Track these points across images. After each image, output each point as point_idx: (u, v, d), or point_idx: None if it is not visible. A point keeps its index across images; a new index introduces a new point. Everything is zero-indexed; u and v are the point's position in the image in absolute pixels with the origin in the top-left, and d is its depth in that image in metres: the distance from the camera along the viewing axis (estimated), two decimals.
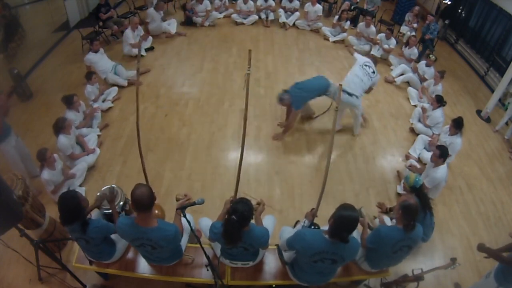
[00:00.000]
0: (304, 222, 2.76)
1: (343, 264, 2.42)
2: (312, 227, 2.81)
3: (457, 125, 4.10)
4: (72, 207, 2.24)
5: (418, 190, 3.03)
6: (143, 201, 2.05)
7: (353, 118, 4.78)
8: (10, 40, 5.24)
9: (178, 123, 4.85)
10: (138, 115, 2.92)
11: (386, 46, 6.61)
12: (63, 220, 2.29)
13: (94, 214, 2.72)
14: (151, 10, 6.62)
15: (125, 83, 5.43)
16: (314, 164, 4.40)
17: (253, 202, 2.39)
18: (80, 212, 2.28)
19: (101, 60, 5.33)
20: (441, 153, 3.52)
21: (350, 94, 4.28)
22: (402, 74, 6.14)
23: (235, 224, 2.16)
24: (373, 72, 4.53)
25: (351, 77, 4.41)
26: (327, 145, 4.53)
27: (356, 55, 4.90)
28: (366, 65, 4.50)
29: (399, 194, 4.03)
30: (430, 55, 5.82)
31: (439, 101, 4.69)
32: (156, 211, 3.01)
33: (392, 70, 6.40)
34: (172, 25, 7.00)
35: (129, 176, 3.98)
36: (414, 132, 4.98)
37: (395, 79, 6.07)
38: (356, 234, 2.79)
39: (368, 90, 4.72)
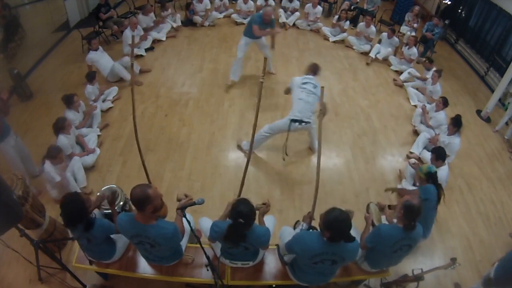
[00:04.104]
0: (302, 225, 2.75)
1: (343, 264, 2.42)
2: (310, 230, 2.79)
3: (456, 123, 4.09)
4: (76, 210, 2.25)
5: (434, 177, 3.03)
6: (133, 200, 2.09)
7: (310, 136, 4.44)
8: (10, 40, 5.24)
9: (178, 123, 4.85)
10: (134, 114, 2.92)
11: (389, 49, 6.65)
12: (67, 224, 2.30)
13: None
14: (139, 16, 6.58)
15: (128, 76, 5.41)
16: (314, 164, 4.38)
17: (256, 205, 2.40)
18: (84, 214, 2.29)
19: (102, 58, 5.37)
20: (437, 156, 3.53)
21: (305, 122, 3.85)
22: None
23: (243, 226, 2.19)
24: (314, 86, 3.97)
25: (298, 104, 3.86)
26: (327, 145, 4.52)
27: (292, 79, 4.10)
28: (304, 83, 3.95)
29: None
30: (424, 58, 5.84)
31: (445, 103, 4.65)
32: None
33: (401, 74, 6.35)
34: (163, 31, 6.92)
35: (129, 176, 3.98)
36: (416, 133, 4.95)
37: (404, 83, 6.04)
38: (355, 233, 2.80)
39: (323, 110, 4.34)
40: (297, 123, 3.82)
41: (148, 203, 2.08)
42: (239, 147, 4.46)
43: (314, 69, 4.24)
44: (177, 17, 7.29)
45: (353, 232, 2.74)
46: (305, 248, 2.23)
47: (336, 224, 2.09)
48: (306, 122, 3.86)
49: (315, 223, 2.94)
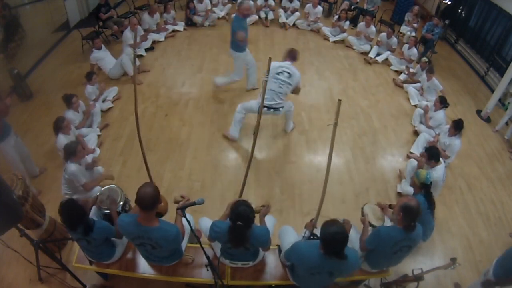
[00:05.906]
0: (305, 233, 2.73)
1: (341, 276, 2.38)
2: (312, 237, 2.77)
3: (457, 126, 4.10)
4: (75, 215, 2.26)
5: (427, 187, 2.98)
6: (145, 200, 2.06)
7: (286, 117, 4.61)
8: (10, 40, 5.24)
9: (178, 123, 4.85)
10: (136, 111, 2.92)
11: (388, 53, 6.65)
12: (68, 228, 2.31)
13: (94, 214, 2.72)
14: (145, 15, 6.61)
15: (131, 71, 5.45)
16: (314, 164, 4.39)
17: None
18: (83, 218, 2.29)
19: (106, 56, 5.51)
20: (429, 156, 3.51)
21: (273, 109, 4.03)
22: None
23: (242, 228, 2.20)
24: (289, 75, 3.97)
25: (267, 94, 3.75)
26: (327, 145, 4.52)
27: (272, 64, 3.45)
28: (278, 73, 3.92)
29: (399, 194, 4.03)
30: (423, 58, 5.84)
31: (442, 102, 4.66)
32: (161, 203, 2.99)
33: (400, 74, 6.37)
34: (162, 33, 6.91)
35: (129, 176, 3.98)
36: (416, 133, 4.95)
37: (403, 84, 6.05)
38: (355, 235, 2.79)
39: (296, 91, 4.29)
40: (265, 108, 3.80)
41: (158, 201, 2.10)
42: (226, 137, 4.53)
43: (292, 55, 4.13)
44: (179, 24, 7.29)
45: (353, 234, 2.75)
46: (302, 260, 2.24)
47: (330, 239, 2.04)
48: (275, 109, 4.03)
49: (320, 221, 2.94)
